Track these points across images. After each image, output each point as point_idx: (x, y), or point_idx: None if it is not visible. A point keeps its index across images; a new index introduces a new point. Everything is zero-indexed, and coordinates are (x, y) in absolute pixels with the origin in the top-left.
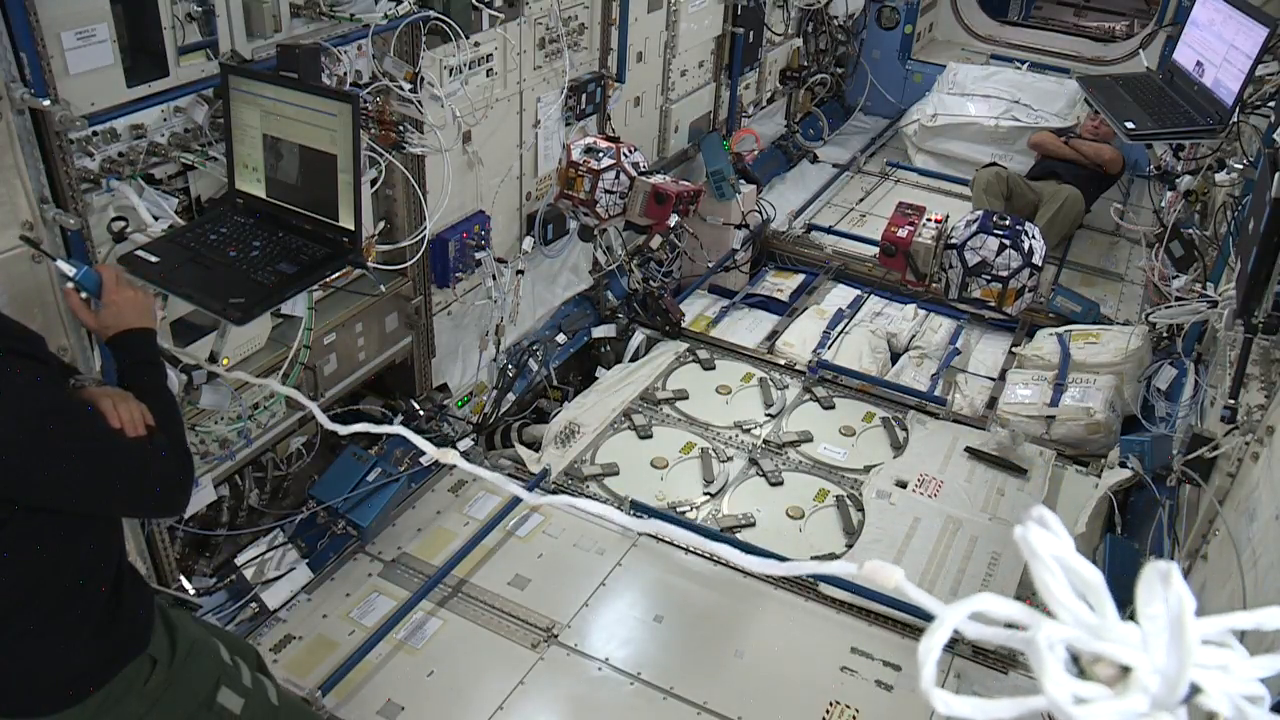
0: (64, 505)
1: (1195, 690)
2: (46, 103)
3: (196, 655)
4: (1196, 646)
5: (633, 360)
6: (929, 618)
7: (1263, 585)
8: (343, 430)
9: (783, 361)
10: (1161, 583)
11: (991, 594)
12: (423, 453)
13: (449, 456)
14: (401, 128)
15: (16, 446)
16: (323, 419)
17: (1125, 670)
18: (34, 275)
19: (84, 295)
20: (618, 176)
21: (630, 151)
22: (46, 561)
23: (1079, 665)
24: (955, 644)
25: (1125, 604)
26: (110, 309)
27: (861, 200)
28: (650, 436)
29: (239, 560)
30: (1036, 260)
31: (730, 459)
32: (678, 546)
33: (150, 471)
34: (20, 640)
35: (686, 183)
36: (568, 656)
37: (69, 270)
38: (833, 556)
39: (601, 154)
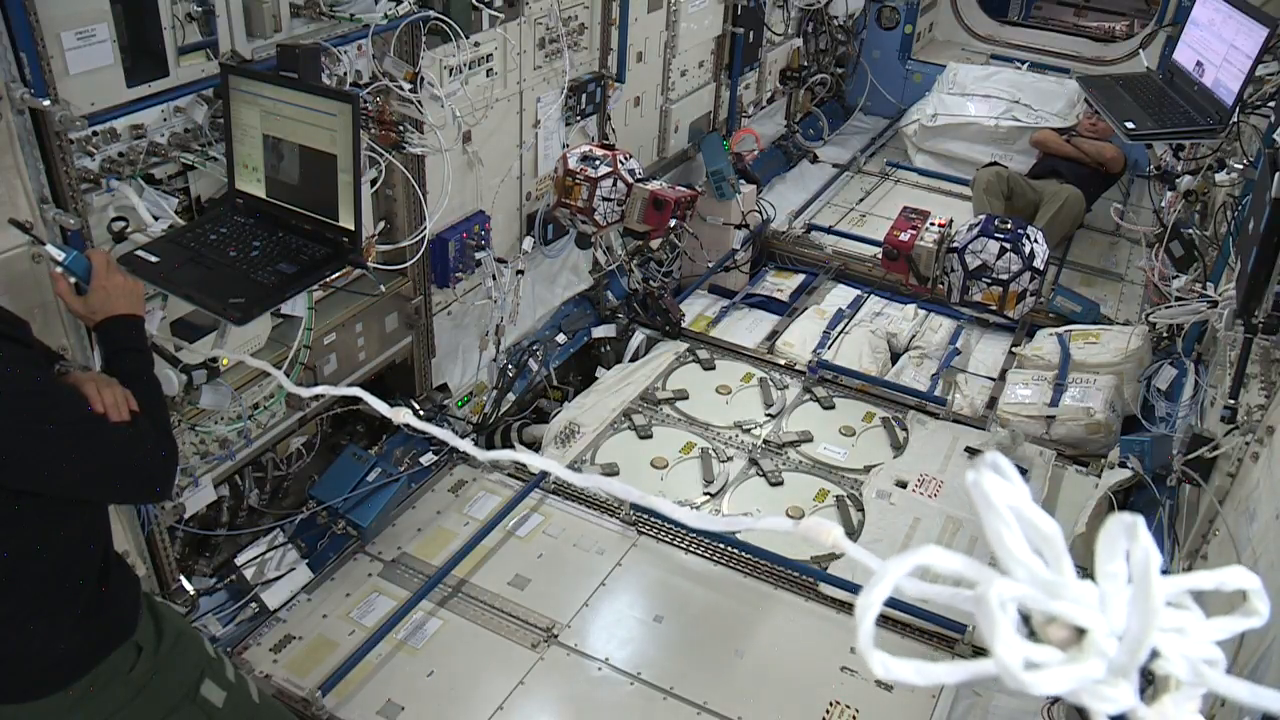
0: (45, 489)
1: (1152, 655)
2: (46, 103)
3: (182, 645)
4: (1161, 607)
5: (633, 360)
6: (929, 617)
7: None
8: (305, 392)
9: (783, 361)
10: (1126, 537)
11: (937, 547)
12: (423, 452)
13: (402, 415)
14: (401, 128)
15: None
16: (285, 383)
17: (1080, 633)
18: (34, 275)
19: (73, 280)
20: (615, 184)
21: (626, 158)
22: (28, 546)
23: (1030, 627)
24: (955, 644)
25: None
26: (98, 294)
27: (861, 200)
28: (650, 436)
29: (239, 560)
30: (1038, 264)
31: (730, 459)
32: (676, 546)
33: (133, 456)
34: (3, 625)
35: (684, 188)
36: (568, 656)
37: (58, 255)
38: (833, 557)
39: (598, 162)
